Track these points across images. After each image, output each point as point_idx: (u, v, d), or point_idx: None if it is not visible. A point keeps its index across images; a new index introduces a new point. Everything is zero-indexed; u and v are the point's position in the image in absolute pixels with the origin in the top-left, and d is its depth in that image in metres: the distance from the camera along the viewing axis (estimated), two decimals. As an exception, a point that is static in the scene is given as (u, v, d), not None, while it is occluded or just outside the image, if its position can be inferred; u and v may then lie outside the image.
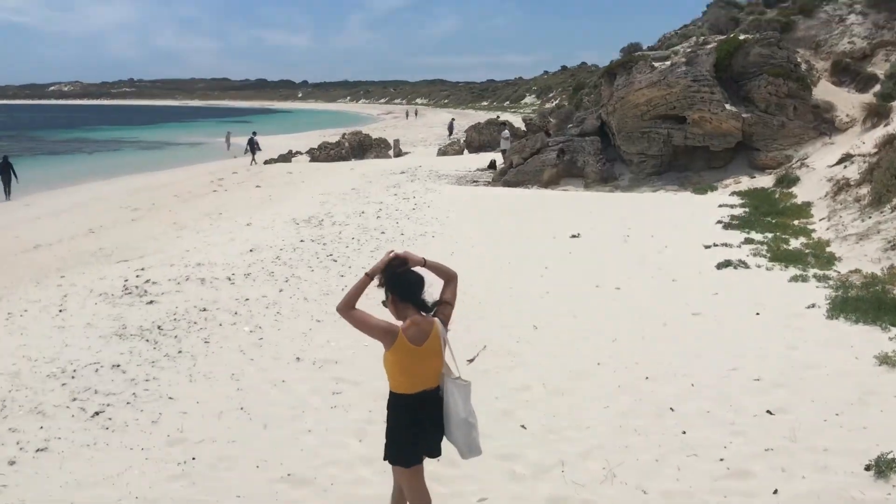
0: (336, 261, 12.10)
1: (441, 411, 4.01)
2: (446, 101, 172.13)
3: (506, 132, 30.73)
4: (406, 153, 40.28)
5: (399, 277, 3.92)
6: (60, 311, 9.90)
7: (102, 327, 8.96)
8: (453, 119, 46.79)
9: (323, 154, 37.20)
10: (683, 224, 14.50)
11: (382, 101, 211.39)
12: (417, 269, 3.97)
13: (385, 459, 4.12)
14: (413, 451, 4.04)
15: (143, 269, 12.24)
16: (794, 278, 10.04)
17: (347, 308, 3.88)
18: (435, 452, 4.13)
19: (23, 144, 58.36)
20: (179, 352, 7.93)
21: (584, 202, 18.54)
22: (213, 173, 31.64)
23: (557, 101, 65.92)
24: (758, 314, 8.57)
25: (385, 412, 4.09)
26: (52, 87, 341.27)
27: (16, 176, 27.78)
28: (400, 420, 4.02)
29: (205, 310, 9.54)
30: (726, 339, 7.81)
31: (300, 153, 40.10)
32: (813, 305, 8.67)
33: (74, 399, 6.66)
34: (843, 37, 24.19)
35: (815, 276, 10.06)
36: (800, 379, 6.61)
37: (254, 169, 33.82)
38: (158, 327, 8.84)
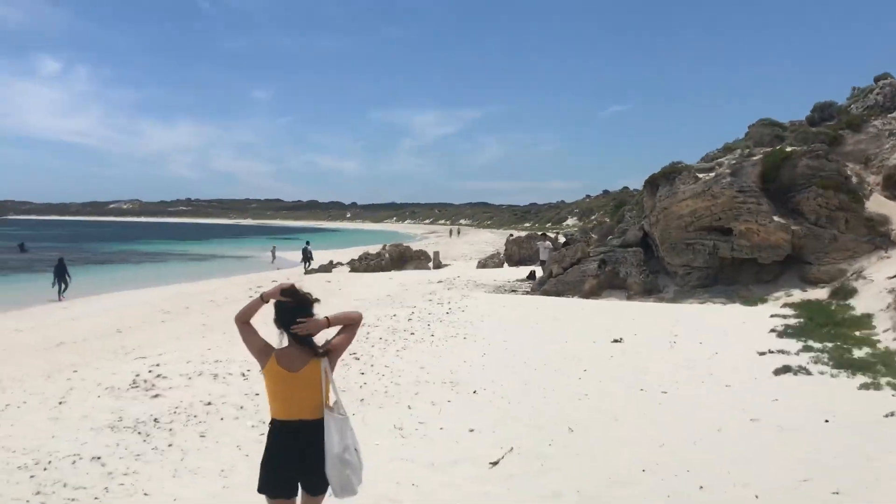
0: (358, 359, 11.33)
1: (323, 445, 3.87)
2: (489, 222, 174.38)
3: (546, 243, 30.22)
4: (446, 265, 39.97)
5: (278, 304, 4.06)
6: (60, 403, 9.26)
7: (98, 420, 8.26)
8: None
9: (363, 264, 37.08)
10: (734, 331, 13.47)
11: (427, 221, 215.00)
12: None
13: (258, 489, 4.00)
14: (277, 482, 3.92)
15: (157, 365, 11.64)
16: (865, 386, 8.96)
17: (241, 319, 4.13)
18: (315, 489, 3.94)
19: (76, 255, 59.79)
20: (170, 445, 7.16)
21: (626, 310, 17.59)
22: (253, 282, 31.53)
23: (597, 217, 65.63)
24: (827, 422, 7.51)
25: None
26: (112, 205, 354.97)
27: (69, 277, 28.93)
28: (270, 446, 3.96)
29: (210, 404, 8.80)
30: (793, 448, 6.75)
31: (341, 264, 40.14)
32: (892, 414, 7.58)
33: (38, 493, 5.90)
34: (894, 151, 23.50)
35: (888, 384, 8.96)
36: (888, 492, 5.54)
37: (294, 277, 33.69)
38: (155, 420, 8.11)
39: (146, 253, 66.31)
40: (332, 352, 4.19)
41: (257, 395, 9.16)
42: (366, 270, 36.39)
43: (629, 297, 21.86)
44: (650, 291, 21.94)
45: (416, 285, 26.40)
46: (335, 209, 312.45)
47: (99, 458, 6.72)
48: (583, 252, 23.55)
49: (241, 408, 8.63)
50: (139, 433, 7.61)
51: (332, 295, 24.81)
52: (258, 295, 4.19)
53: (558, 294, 22.63)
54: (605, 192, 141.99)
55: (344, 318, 4.27)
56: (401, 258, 38.85)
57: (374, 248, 50.65)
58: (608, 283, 22.71)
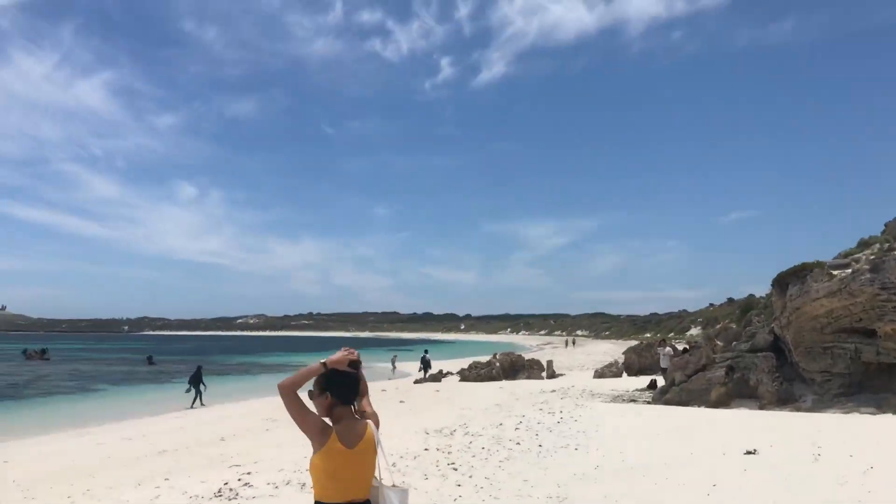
0: (456, 469, 10.38)
1: None
2: (607, 332, 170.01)
3: (667, 349, 28.43)
4: (560, 375, 38.41)
5: (343, 375, 3.65)
6: (141, 511, 8.77)
7: (171, 530, 7.67)
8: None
9: (473, 374, 36.16)
10: (890, 444, 11.65)
11: (542, 332, 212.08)
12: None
13: None
14: None
15: (248, 474, 11.09)
16: None
17: (291, 388, 3.55)
18: None
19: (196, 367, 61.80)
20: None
21: (758, 419, 15.82)
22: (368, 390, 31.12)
23: (722, 325, 62.10)
24: None
25: None
26: (239, 320, 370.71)
27: (204, 385, 30.54)
28: None
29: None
30: None
31: (451, 373, 39.37)
32: None
33: None
34: None
35: None
36: None
37: (404, 387, 33.10)
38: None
39: (265, 364, 67.68)
40: (369, 414, 3.87)
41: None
42: (476, 380, 35.43)
43: (761, 407, 19.87)
44: (785, 400, 19.88)
45: (528, 395, 25.20)
46: (449, 321, 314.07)
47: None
48: (708, 358, 21.84)
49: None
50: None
51: (440, 403, 23.99)
52: (318, 362, 3.74)
53: (682, 403, 20.90)
54: (730, 299, 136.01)
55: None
56: (512, 367, 37.70)
57: (485, 358, 49.77)
58: (737, 392, 20.81)
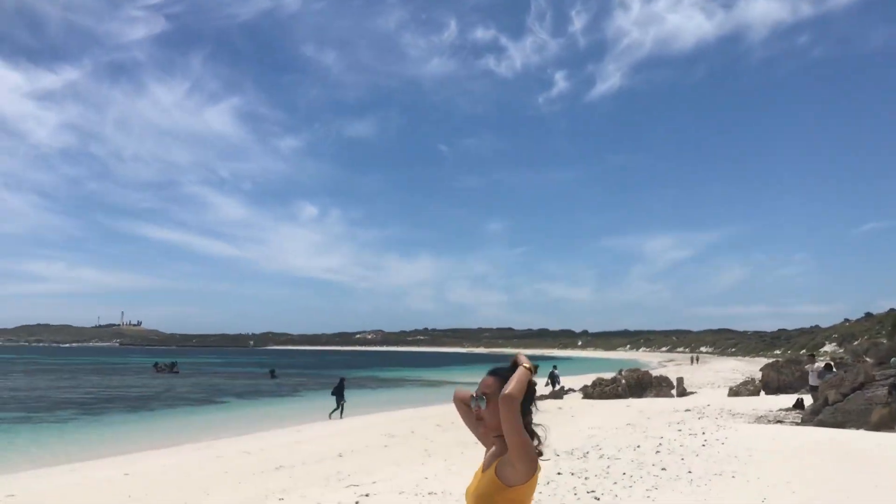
0: (598, 499, 9.09)
1: None
2: (733, 349, 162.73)
3: (816, 365, 25.83)
4: (691, 393, 36.06)
5: (531, 387, 2.81)
6: (251, 536, 8.00)
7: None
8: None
9: (597, 391, 34.44)
10: None
11: (664, 349, 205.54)
12: None
13: None
14: None
15: (367, 496, 10.22)
16: None
17: (521, 398, 2.67)
18: None
19: (318, 381, 62.82)
20: None
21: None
22: (481, 407, 30.09)
23: (860, 342, 57.16)
24: None
25: None
26: (357, 335, 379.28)
27: (344, 400, 30.89)
28: None
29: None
30: None
31: (573, 390, 37.79)
32: None
33: None
34: None
35: None
36: None
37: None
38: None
39: (383, 379, 67.91)
40: None
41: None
42: (600, 397, 33.71)
43: (935, 432, 17.45)
44: (964, 425, 17.38)
45: (659, 414, 23.45)
46: (566, 337, 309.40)
47: None
48: (867, 375, 19.48)
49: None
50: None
51: (564, 423, 22.60)
52: (523, 365, 2.82)
53: (837, 425, 18.65)
54: (868, 314, 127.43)
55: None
56: (639, 385, 35.64)
57: (607, 375, 47.68)
58: (903, 414, 18.41)
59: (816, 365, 25.57)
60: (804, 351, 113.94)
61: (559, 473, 11.25)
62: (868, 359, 34.46)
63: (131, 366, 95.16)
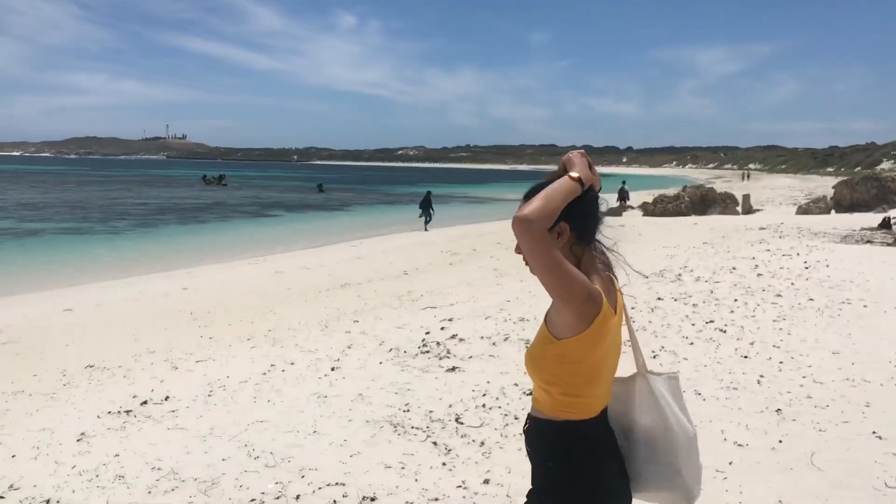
0: (724, 331, 7.93)
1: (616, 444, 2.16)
2: (783, 166, 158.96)
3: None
4: (757, 210, 34.57)
5: (589, 202, 2.11)
6: (332, 370, 7.08)
7: (376, 406, 5.86)
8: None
9: (659, 208, 33.08)
10: None
11: (711, 166, 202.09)
12: None
13: None
14: None
15: (450, 320, 9.25)
16: None
17: (546, 220, 1.89)
18: None
19: (369, 196, 62.57)
20: (485, 481, 4.40)
21: None
22: (539, 224, 29.10)
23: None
24: None
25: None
26: (399, 151, 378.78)
27: (433, 210, 31.50)
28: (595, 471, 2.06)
29: (529, 393, 6.02)
30: None
31: (631, 207, 36.52)
32: None
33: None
34: None
35: None
36: None
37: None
38: (457, 419, 5.47)
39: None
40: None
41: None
42: (661, 215, 32.41)
43: None
44: None
45: (733, 231, 22.12)
46: (610, 154, 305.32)
47: (374, 500, 4.15)
48: (979, 193, 17.71)
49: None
50: (434, 443, 5.00)
51: (632, 241, 21.42)
52: (567, 175, 2.02)
53: (939, 247, 17.23)
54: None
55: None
56: (703, 201, 34.12)
57: (655, 192, 45.97)
58: None
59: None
60: (858, 168, 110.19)
61: (660, 298, 10.12)
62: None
63: (180, 178, 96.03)
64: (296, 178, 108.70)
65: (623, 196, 38.08)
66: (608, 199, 2.28)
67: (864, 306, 9.09)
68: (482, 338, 8.05)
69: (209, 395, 6.50)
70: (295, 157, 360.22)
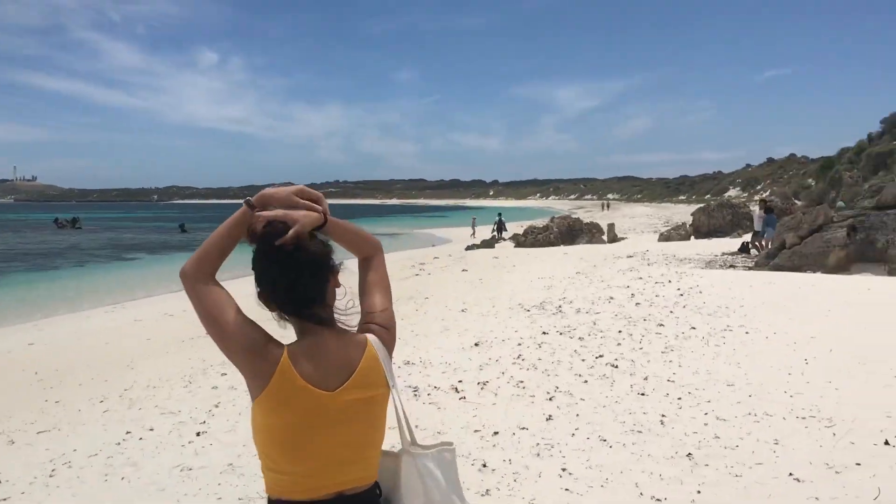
0: (616, 366, 7.71)
1: None
2: (639, 195, 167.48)
3: (758, 211, 25.25)
4: (622, 238, 35.76)
5: (269, 253, 1.77)
6: (199, 434, 6.30)
7: (249, 478, 5.15)
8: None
9: (529, 239, 33.60)
10: None
11: (572, 197, 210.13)
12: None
13: None
14: None
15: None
16: None
17: (200, 271, 1.81)
18: None
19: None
20: None
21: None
22: (413, 258, 28.78)
23: (763, 185, 57.81)
24: None
25: None
26: (267, 188, 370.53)
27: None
28: None
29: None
30: None
31: (503, 239, 36.97)
32: None
33: None
34: None
35: None
36: None
37: (457, 254, 30.70)
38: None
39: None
40: (387, 328, 1.95)
41: (495, 434, 5.70)
42: (532, 245, 32.92)
43: (890, 272, 17.07)
44: (921, 265, 17.03)
45: (603, 260, 22.58)
46: (478, 187, 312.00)
47: None
48: (825, 217, 18.83)
49: (484, 467, 5.23)
50: None
51: (507, 272, 21.52)
52: (242, 202, 1.85)
53: (795, 269, 18.11)
54: (770, 159, 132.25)
55: (355, 231, 2.01)
56: (570, 231, 34.99)
57: (523, 224, 47.01)
58: (859, 256, 17.94)
59: (758, 211, 24.97)
60: (708, 196, 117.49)
61: (545, 333, 9.87)
62: (797, 201, 34.67)
63: (30, 222, 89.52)
64: (157, 219, 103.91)
65: (500, 228, 39.41)
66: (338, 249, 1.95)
67: (746, 332, 9.17)
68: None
69: (51, 476, 5.57)
70: (155, 196, 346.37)
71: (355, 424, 1.83)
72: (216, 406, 7.22)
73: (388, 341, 1.94)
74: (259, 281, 1.82)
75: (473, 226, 47.32)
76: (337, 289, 1.89)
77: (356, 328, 1.93)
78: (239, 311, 1.79)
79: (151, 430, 6.59)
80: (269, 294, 1.81)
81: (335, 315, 1.89)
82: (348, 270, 1.94)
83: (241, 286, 2.13)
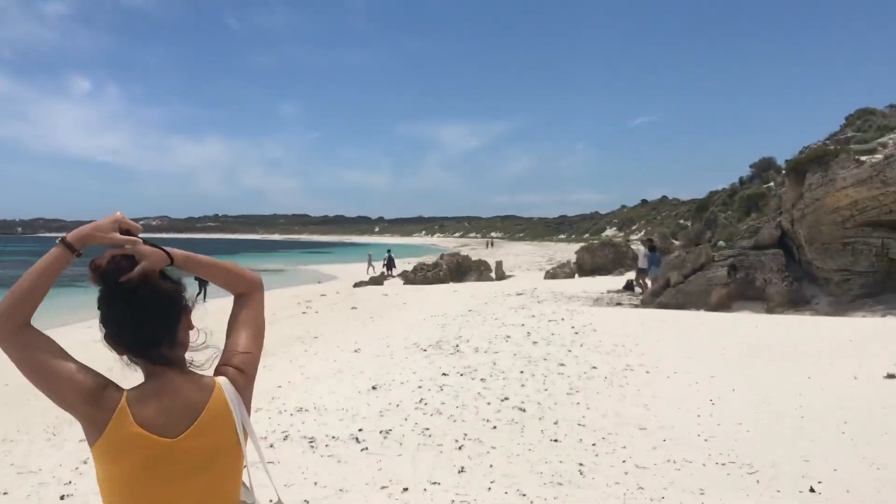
0: (524, 409, 7.36)
1: None
2: (521, 234, 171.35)
3: (644, 248, 25.95)
4: (510, 276, 36.05)
5: (114, 291, 1.70)
6: (63, 498, 5.46)
7: None
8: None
9: (419, 276, 33.32)
10: None
11: (457, 234, 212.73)
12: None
13: None
14: None
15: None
16: None
17: (12, 320, 1.63)
18: None
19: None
20: None
21: (809, 327, 13.46)
22: (300, 296, 27.85)
23: (639, 224, 60.20)
24: None
25: None
26: (141, 221, 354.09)
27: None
28: None
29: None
30: None
31: (392, 276, 36.55)
32: None
33: None
34: None
35: None
36: None
37: (345, 291, 29.95)
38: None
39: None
40: (243, 371, 1.80)
41: (405, 490, 5.19)
42: (423, 282, 32.66)
43: (769, 310, 17.79)
44: (795, 303, 17.81)
45: (493, 298, 22.54)
46: (363, 224, 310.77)
47: None
48: (707, 256, 19.46)
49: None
50: None
51: (398, 310, 21.12)
52: (57, 239, 1.76)
53: (679, 307, 18.61)
54: (644, 201, 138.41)
55: (222, 266, 1.93)
56: (459, 269, 34.98)
57: (410, 261, 46.65)
58: (740, 294, 18.63)
59: (642, 249, 25.63)
60: (587, 235, 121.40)
61: (445, 374, 9.45)
62: (675, 240, 36.06)
63: None
64: (21, 252, 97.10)
65: (390, 265, 39.08)
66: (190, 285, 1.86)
67: (647, 372, 9.08)
68: (261, 438, 6.78)
69: None
70: (19, 228, 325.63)
71: (200, 475, 1.68)
72: (84, 463, 6.35)
73: (243, 386, 1.78)
74: (104, 321, 1.72)
75: (370, 262, 44.12)
76: (190, 330, 1.79)
77: (207, 365, 1.79)
78: (66, 355, 1.66)
79: (5, 493, 5.69)
80: (115, 335, 1.72)
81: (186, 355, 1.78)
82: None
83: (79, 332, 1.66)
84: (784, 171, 22.38)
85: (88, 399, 1.61)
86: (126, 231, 1.77)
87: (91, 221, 1.79)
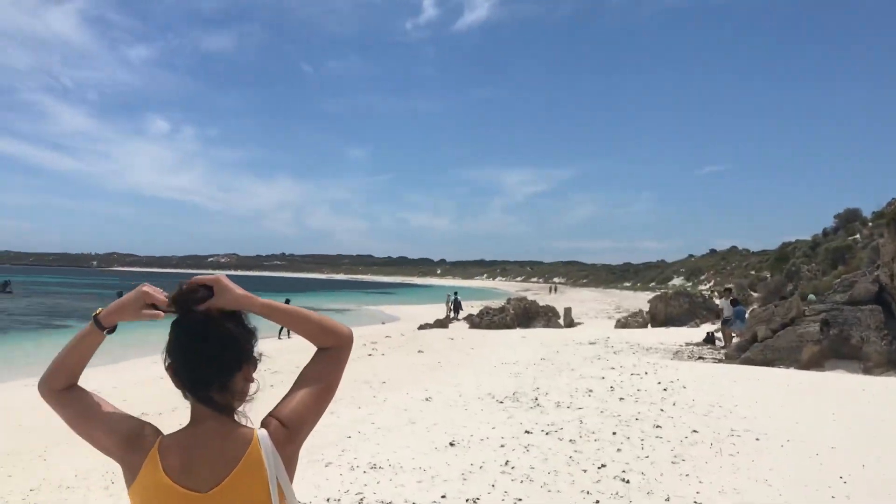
0: (627, 481, 6.58)
1: None
2: (585, 280, 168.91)
3: (726, 300, 24.65)
4: (578, 323, 35.01)
5: (181, 320, 1.71)
6: None
7: None
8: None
9: (485, 321, 32.59)
10: None
11: (519, 279, 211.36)
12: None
13: None
14: None
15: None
16: None
17: (54, 385, 1.74)
18: None
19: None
20: None
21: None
22: (365, 336, 27.42)
23: (708, 275, 57.96)
24: None
25: None
26: (210, 259, 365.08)
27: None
28: None
29: None
30: None
31: (457, 319, 35.90)
32: None
33: None
34: None
35: None
36: None
37: (409, 333, 29.43)
38: None
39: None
40: (286, 426, 1.69)
41: None
42: (488, 327, 31.90)
43: (866, 370, 16.49)
44: (895, 363, 16.48)
45: (564, 346, 21.68)
46: (425, 265, 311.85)
47: None
48: (798, 310, 18.26)
49: None
50: None
51: (466, 354, 20.44)
52: (91, 316, 1.76)
53: (767, 363, 17.42)
54: (713, 251, 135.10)
55: (311, 317, 1.86)
56: (526, 314, 34.11)
57: (476, 304, 45.90)
58: (833, 352, 17.33)
59: (725, 300, 24.41)
60: (653, 283, 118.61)
61: (528, 432, 8.71)
62: (753, 293, 34.55)
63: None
64: (94, 286, 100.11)
65: (456, 307, 38.09)
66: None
67: (756, 439, 8.17)
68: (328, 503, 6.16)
69: None
70: (94, 262, 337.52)
71: None
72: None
73: (283, 441, 1.66)
74: (167, 349, 1.72)
75: (448, 302, 40.41)
76: (251, 383, 1.74)
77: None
78: (106, 405, 1.74)
79: None
80: (174, 366, 1.71)
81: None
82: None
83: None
84: (871, 223, 21.04)
85: (122, 444, 1.66)
86: (152, 304, 1.72)
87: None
